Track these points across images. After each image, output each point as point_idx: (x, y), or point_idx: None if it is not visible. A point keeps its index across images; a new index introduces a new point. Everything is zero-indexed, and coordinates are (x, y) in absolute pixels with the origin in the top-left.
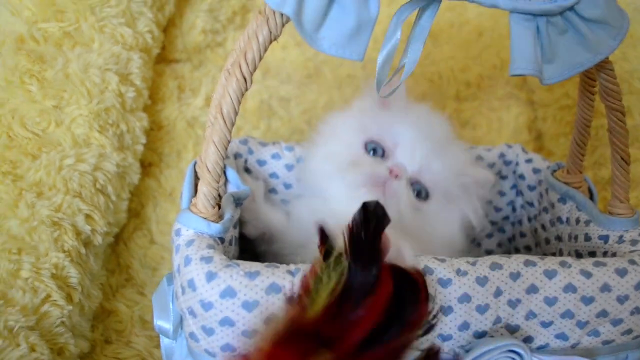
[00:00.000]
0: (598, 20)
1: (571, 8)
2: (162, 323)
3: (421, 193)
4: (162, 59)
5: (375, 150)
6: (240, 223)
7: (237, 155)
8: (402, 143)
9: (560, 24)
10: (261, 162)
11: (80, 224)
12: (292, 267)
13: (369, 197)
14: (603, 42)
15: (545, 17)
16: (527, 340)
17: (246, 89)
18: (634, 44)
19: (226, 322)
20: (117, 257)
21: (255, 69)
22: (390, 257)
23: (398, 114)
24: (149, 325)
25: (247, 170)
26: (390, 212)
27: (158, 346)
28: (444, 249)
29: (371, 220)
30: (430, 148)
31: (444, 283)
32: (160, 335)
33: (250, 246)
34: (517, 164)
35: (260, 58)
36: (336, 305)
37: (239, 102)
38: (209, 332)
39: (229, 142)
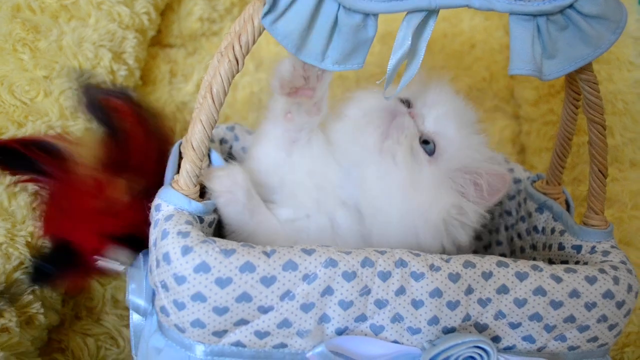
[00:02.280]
0: (597, 15)
1: (570, 5)
2: (135, 299)
3: (428, 144)
4: (157, 42)
5: (402, 100)
6: None
7: (222, 141)
8: (430, 104)
9: (560, 21)
10: (246, 150)
11: None
12: (267, 248)
13: (372, 126)
14: (603, 37)
15: (545, 16)
16: (495, 340)
17: (237, 71)
18: (619, 67)
19: (198, 297)
20: None
21: (248, 52)
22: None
23: (435, 89)
24: (120, 304)
25: (232, 156)
26: (384, 148)
27: (127, 325)
28: (419, 216)
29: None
30: (455, 119)
31: (417, 277)
32: (130, 312)
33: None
34: None
35: (254, 42)
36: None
37: (229, 84)
38: (180, 306)
39: (215, 122)
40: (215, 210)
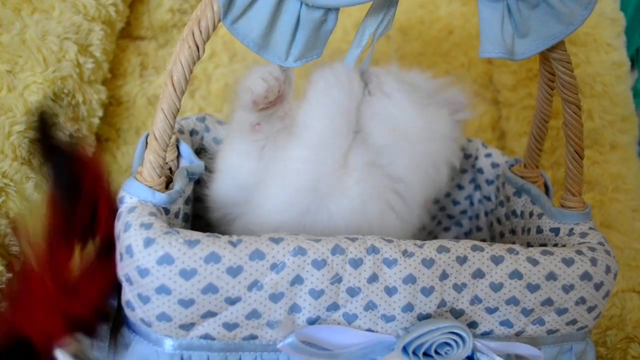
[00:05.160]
0: None
1: None
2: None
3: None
4: (126, 34)
5: None
6: (201, 205)
7: (193, 132)
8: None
9: (531, 0)
10: (217, 141)
11: (29, 192)
12: (234, 237)
13: None
14: (575, 13)
15: None
16: (472, 325)
17: (198, 58)
18: (597, 49)
19: (162, 289)
20: None
21: (208, 37)
22: None
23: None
24: None
25: (203, 148)
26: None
27: None
28: None
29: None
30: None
31: (389, 263)
32: None
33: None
34: (476, 158)
35: (214, 27)
36: None
37: (191, 71)
38: (144, 299)
39: (178, 110)
40: (187, 202)
